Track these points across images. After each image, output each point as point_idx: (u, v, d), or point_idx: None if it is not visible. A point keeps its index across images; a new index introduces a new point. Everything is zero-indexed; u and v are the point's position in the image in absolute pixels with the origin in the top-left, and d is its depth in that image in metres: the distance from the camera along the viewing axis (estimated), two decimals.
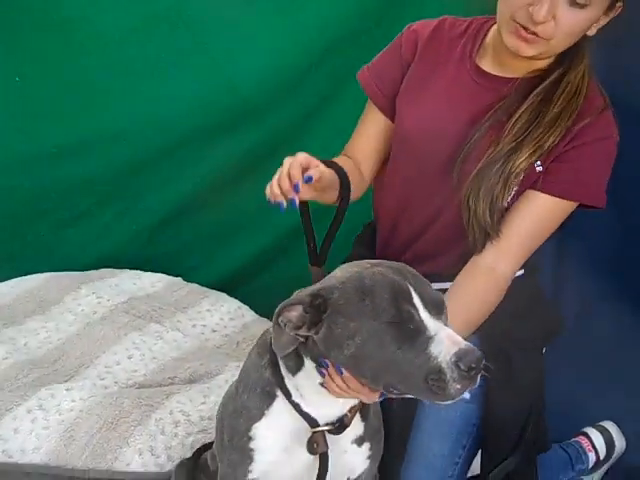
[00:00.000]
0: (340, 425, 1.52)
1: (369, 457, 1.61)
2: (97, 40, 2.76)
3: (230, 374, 2.26)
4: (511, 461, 1.92)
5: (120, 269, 2.97)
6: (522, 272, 1.94)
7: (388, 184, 2.01)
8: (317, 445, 1.50)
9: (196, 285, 2.94)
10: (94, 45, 2.77)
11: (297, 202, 1.65)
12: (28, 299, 2.64)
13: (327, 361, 1.42)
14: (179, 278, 2.98)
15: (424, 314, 1.34)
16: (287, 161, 1.65)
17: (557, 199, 1.82)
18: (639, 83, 2.50)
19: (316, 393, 1.47)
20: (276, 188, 1.63)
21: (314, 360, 1.43)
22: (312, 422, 1.50)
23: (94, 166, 2.99)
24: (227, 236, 3.19)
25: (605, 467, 2.34)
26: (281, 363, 1.49)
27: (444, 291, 1.89)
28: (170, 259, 3.12)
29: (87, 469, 1.92)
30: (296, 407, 1.49)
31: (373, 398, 1.46)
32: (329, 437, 1.52)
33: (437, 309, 1.36)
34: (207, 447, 1.83)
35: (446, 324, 1.37)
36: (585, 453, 2.28)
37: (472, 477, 2.05)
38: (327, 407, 1.50)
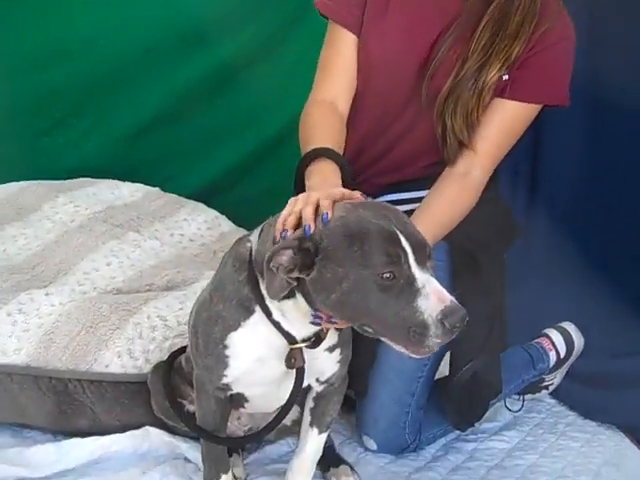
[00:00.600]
0: (316, 340, 1.56)
1: (339, 361, 1.66)
2: None
3: (206, 282, 2.29)
4: (477, 362, 2.00)
5: (98, 179, 2.98)
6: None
7: (358, 107, 2.01)
8: (295, 360, 1.54)
9: (174, 195, 2.97)
10: None
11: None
12: (6, 206, 2.66)
13: (321, 315, 1.45)
14: (157, 188, 3.00)
15: (413, 263, 1.36)
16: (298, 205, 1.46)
17: (524, 104, 1.89)
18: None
19: (300, 321, 1.50)
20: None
21: (304, 295, 1.44)
22: (290, 339, 1.54)
23: (68, 75, 2.98)
24: (205, 147, 3.20)
25: (566, 366, 2.42)
26: (262, 283, 1.49)
27: (416, 200, 1.95)
28: (148, 169, 3.13)
29: (67, 370, 1.97)
30: (276, 325, 1.52)
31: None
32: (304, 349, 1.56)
33: (423, 254, 1.38)
34: (182, 350, 1.88)
35: (432, 272, 1.39)
36: (546, 353, 2.36)
37: (439, 379, 2.13)
38: (307, 328, 1.53)
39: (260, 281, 1.50)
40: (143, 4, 2.89)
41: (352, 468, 1.93)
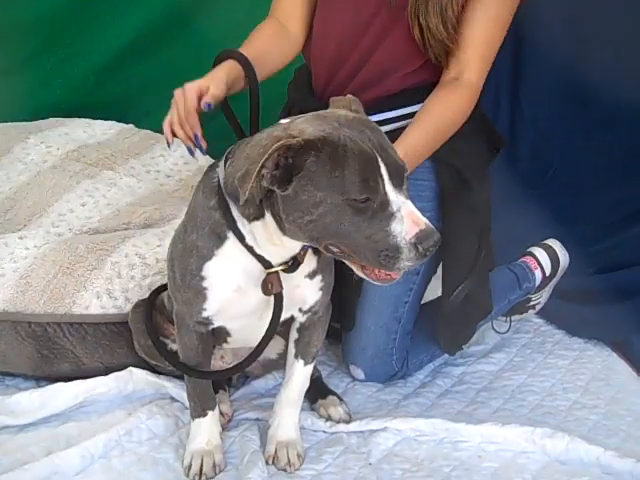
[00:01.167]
0: (294, 263, 1.53)
1: (321, 288, 1.63)
2: None
3: None
4: (469, 282, 1.98)
5: (69, 118, 2.90)
6: None
7: (327, 16, 1.95)
8: (272, 286, 1.52)
9: (149, 131, 2.89)
10: None
11: (203, 144, 1.69)
12: None
13: None
14: (131, 125, 2.91)
15: (389, 186, 1.34)
16: (178, 100, 1.67)
17: None
18: None
19: (270, 243, 1.47)
20: (178, 133, 1.69)
21: (274, 215, 1.41)
22: (266, 264, 1.51)
23: (32, 12, 2.86)
24: (177, 80, 3.09)
25: (552, 284, 2.40)
26: (233, 206, 1.47)
27: (400, 118, 1.90)
28: (121, 107, 3.05)
29: (45, 314, 1.94)
30: (249, 250, 1.49)
31: None
32: (283, 275, 1.53)
33: (400, 178, 1.36)
34: (163, 288, 1.84)
35: (407, 195, 1.37)
36: (531, 271, 2.33)
37: (426, 303, 2.11)
38: (280, 252, 1.51)
39: (231, 205, 1.46)
40: None
41: (340, 398, 1.92)
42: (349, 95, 1.54)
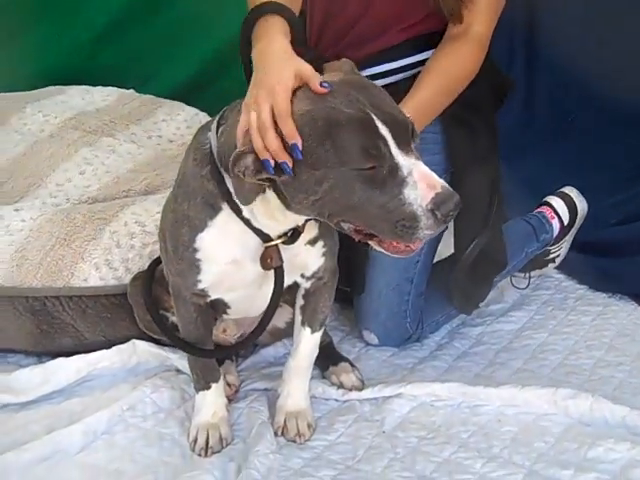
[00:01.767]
0: (294, 234, 1.43)
1: (324, 254, 1.54)
2: None
3: None
4: (482, 238, 1.88)
5: (68, 86, 2.82)
6: None
7: None
8: (271, 260, 1.43)
9: (150, 96, 2.81)
10: None
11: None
12: None
13: None
14: (131, 90, 2.84)
15: (394, 148, 1.22)
16: (263, 108, 1.26)
17: None
18: None
19: (271, 219, 1.38)
20: (256, 142, 1.26)
21: (277, 192, 1.31)
22: (264, 237, 1.42)
23: None
24: (178, 43, 3.01)
25: (571, 234, 2.30)
26: (227, 178, 1.36)
27: (400, 70, 1.79)
28: (120, 72, 2.97)
29: (43, 287, 1.87)
30: (246, 223, 1.40)
31: None
32: (282, 245, 1.44)
33: (406, 136, 1.25)
34: None
35: (418, 153, 1.26)
36: (548, 222, 2.22)
37: (438, 262, 2.02)
38: (281, 224, 1.41)
39: (225, 176, 1.36)
40: None
41: (352, 364, 1.84)
42: (343, 59, 1.42)
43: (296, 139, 1.23)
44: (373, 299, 1.94)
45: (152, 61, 3.05)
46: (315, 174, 1.24)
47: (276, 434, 1.65)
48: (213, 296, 1.54)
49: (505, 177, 1.97)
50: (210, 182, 1.39)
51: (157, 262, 1.77)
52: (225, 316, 1.68)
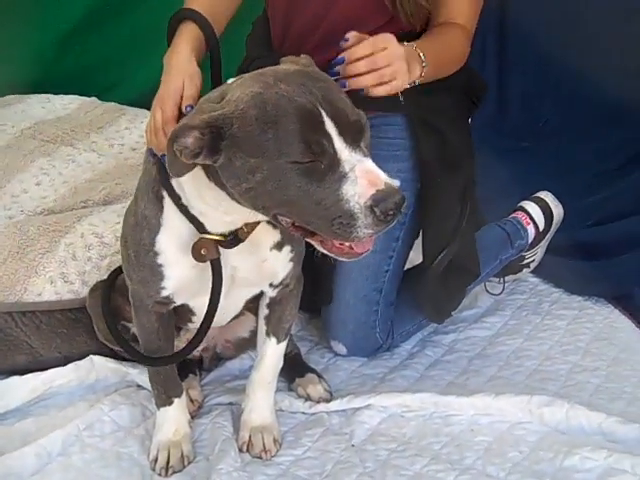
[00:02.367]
0: (233, 239, 1.37)
1: (291, 259, 1.49)
2: None
3: None
4: (453, 246, 1.82)
5: (29, 94, 2.75)
6: None
7: None
8: (206, 252, 1.36)
9: (113, 103, 2.75)
10: None
11: None
12: None
13: None
14: (94, 98, 2.77)
15: (339, 144, 1.17)
16: (155, 113, 1.42)
17: None
18: None
19: (200, 199, 1.32)
20: (150, 142, 1.43)
21: (204, 168, 1.26)
22: (200, 227, 1.36)
23: None
24: (142, 49, 2.93)
25: (546, 240, 2.24)
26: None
27: None
28: (83, 80, 2.90)
29: None
30: (183, 210, 1.35)
31: None
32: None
33: (355, 133, 1.19)
34: None
35: (367, 151, 1.20)
36: (523, 227, 2.17)
37: (410, 269, 1.96)
38: (216, 219, 1.35)
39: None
40: None
41: (320, 375, 1.79)
42: (302, 54, 1.39)
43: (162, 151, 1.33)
44: (341, 309, 1.88)
45: (116, 68, 2.99)
46: (250, 162, 1.18)
47: (241, 450, 1.59)
48: (178, 302, 1.48)
49: (478, 181, 1.91)
50: (154, 167, 1.38)
51: (117, 272, 1.70)
52: (190, 324, 1.62)
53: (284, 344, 1.61)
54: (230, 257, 1.41)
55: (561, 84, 2.94)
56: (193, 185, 1.31)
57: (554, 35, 2.95)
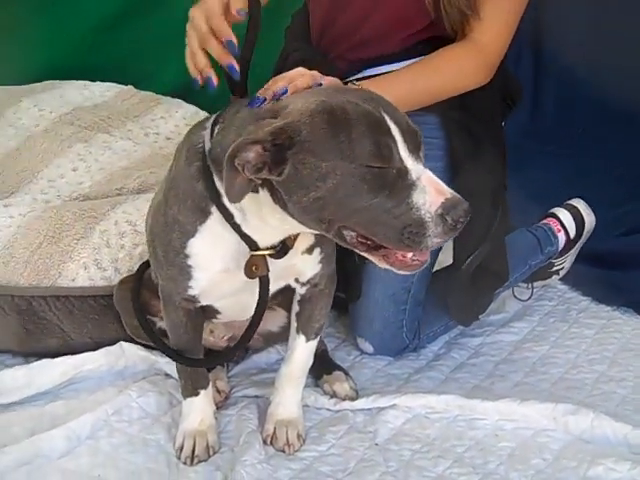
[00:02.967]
0: (282, 249, 1.37)
1: (320, 261, 1.48)
2: None
3: None
4: (483, 249, 1.82)
5: (66, 80, 2.77)
6: None
7: None
8: (256, 268, 1.36)
9: (149, 92, 2.75)
10: None
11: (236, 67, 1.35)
12: None
13: None
14: (130, 86, 2.78)
15: (404, 152, 1.18)
16: (195, 17, 1.36)
17: None
18: None
19: (261, 220, 1.31)
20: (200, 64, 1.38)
21: (271, 192, 1.24)
22: (252, 244, 1.35)
23: None
24: (179, 40, 2.92)
25: (577, 248, 2.24)
26: (217, 178, 1.30)
27: None
28: (120, 68, 2.90)
29: (29, 286, 1.82)
30: (236, 229, 1.33)
31: None
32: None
33: (415, 143, 1.20)
34: None
35: (424, 163, 1.21)
36: (554, 234, 2.16)
37: (439, 270, 1.96)
38: (271, 233, 1.35)
39: (215, 177, 1.30)
40: None
41: (347, 373, 1.79)
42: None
43: (230, 36, 1.30)
44: (368, 307, 1.89)
45: (152, 57, 2.99)
46: (321, 166, 1.17)
47: (265, 443, 1.60)
48: (204, 302, 1.49)
49: (510, 186, 1.91)
50: (200, 183, 1.32)
51: (145, 266, 1.70)
52: (215, 320, 1.63)
53: (314, 343, 1.61)
54: None
55: (597, 93, 2.91)
56: (256, 208, 1.28)
57: (592, 41, 2.93)
